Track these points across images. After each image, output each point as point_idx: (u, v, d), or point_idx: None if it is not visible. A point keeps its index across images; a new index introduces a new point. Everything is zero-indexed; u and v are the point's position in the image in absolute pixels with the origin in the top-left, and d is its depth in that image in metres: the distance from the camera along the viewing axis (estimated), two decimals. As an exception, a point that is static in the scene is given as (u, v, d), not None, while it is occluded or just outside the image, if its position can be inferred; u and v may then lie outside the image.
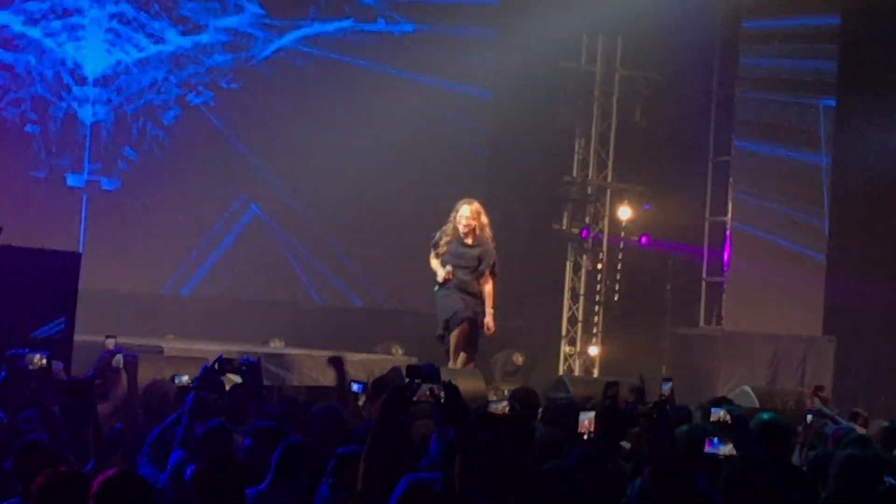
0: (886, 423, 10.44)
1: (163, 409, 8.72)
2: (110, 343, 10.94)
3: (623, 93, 19.68)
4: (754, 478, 6.33)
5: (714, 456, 6.40)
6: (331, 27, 19.09)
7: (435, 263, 14.00)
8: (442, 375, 10.49)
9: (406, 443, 7.21)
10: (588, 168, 19.69)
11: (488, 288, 14.00)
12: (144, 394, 9.38)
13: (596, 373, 18.97)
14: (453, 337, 13.82)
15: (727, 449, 6.42)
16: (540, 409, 10.58)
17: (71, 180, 17.94)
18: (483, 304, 13.95)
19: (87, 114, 18.02)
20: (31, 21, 17.63)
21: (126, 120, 18.29)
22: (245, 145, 18.75)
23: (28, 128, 17.74)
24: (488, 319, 13.94)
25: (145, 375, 10.68)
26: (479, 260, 13.92)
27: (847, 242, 19.10)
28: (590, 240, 19.52)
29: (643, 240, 19.32)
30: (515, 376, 17.93)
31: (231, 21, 18.62)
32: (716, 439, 6.48)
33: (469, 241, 13.89)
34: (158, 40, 18.31)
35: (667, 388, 9.80)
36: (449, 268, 13.78)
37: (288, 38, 18.97)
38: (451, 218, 13.96)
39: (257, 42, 18.80)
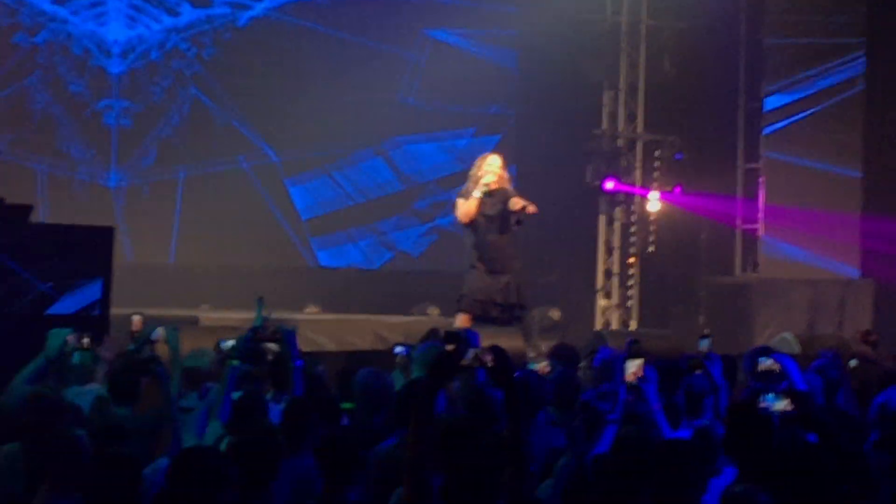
0: None
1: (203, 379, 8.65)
2: (137, 319, 10.74)
3: (650, 43, 19.48)
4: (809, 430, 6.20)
5: (768, 412, 6.24)
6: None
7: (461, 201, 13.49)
8: (483, 336, 10.46)
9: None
10: (617, 120, 19.52)
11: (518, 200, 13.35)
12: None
13: (634, 326, 18.88)
14: (458, 318, 13.43)
15: (783, 404, 6.26)
16: (581, 365, 10.50)
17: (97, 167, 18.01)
18: (511, 262, 13.64)
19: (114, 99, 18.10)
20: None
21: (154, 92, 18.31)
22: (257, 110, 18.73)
23: (54, 108, 17.78)
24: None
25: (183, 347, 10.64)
26: (503, 209, 13.37)
27: (881, 182, 18.88)
28: (622, 192, 19.36)
29: (677, 190, 19.15)
30: (552, 332, 17.84)
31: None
32: (770, 395, 6.32)
33: (493, 191, 13.40)
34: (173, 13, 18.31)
35: (704, 344, 9.58)
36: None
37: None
38: (476, 171, 13.53)
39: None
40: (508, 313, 13.61)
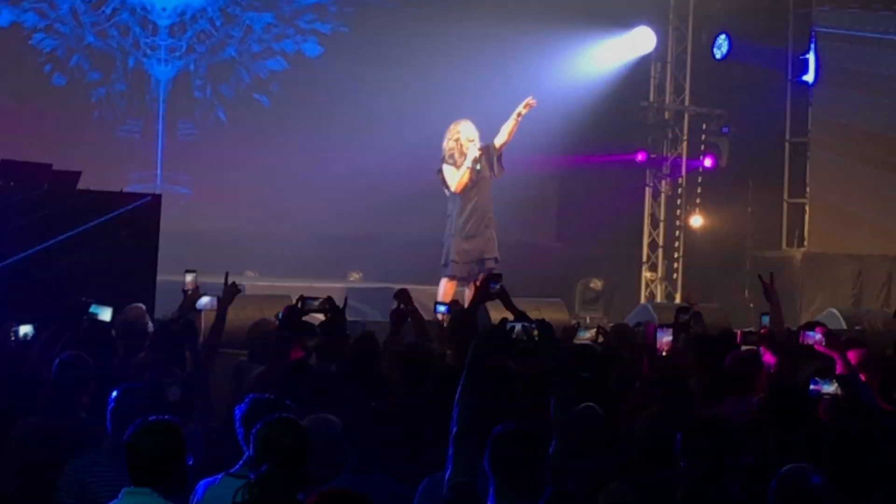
0: None
1: (266, 349, 8.55)
2: (190, 278, 10.55)
3: (698, 15, 19.35)
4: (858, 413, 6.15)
5: (818, 395, 6.21)
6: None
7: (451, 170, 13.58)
8: (526, 308, 10.44)
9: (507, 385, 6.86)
10: (665, 93, 19.43)
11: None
12: (249, 334, 9.24)
13: (678, 299, 18.81)
14: (442, 284, 13.68)
15: (832, 388, 6.23)
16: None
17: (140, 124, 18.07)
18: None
19: (160, 58, 18.15)
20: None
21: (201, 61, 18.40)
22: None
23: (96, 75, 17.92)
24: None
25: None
26: (491, 166, 13.65)
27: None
28: (668, 165, 19.29)
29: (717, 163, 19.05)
30: (596, 304, 17.82)
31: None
32: (819, 378, 6.29)
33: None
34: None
35: (766, 321, 9.52)
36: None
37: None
38: (453, 139, 13.57)
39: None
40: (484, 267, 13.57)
